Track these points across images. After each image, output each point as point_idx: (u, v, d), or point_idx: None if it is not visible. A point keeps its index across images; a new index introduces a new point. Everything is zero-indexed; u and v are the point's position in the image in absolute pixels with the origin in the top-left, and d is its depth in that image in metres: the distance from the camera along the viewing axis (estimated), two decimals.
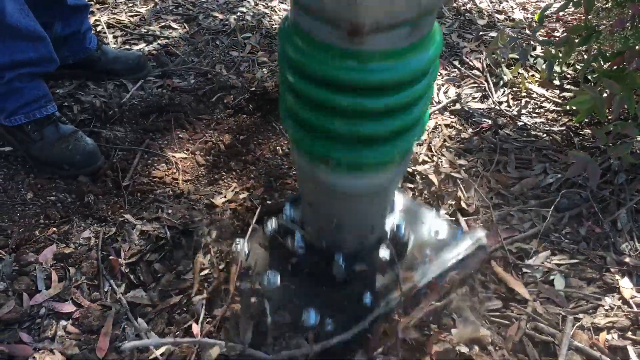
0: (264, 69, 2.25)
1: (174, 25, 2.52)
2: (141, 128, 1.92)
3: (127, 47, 2.35)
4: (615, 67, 1.72)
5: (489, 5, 2.84)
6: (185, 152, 1.83)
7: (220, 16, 2.60)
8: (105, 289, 1.37)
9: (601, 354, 1.23)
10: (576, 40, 1.81)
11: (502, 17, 2.75)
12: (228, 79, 2.15)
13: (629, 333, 1.30)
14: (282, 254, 1.32)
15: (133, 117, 1.96)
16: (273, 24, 2.56)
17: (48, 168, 1.69)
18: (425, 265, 1.31)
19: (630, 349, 1.26)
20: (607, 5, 1.81)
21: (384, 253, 1.30)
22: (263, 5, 2.73)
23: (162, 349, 1.22)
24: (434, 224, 1.43)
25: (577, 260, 1.46)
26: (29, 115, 1.67)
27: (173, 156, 1.80)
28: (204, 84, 2.15)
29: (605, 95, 1.61)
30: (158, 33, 2.46)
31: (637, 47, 1.63)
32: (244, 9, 2.67)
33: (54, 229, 1.53)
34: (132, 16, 2.56)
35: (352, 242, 1.27)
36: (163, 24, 2.53)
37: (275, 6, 2.73)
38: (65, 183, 1.68)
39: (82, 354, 1.22)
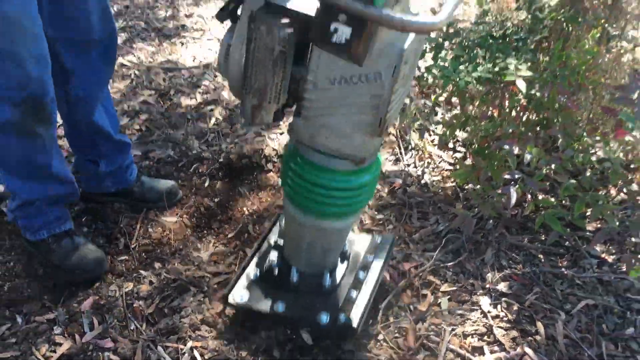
0: (228, 140, 2.86)
1: (150, 100, 3.10)
2: None
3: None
4: (484, 145, 2.42)
5: None
6: (175, 216, 2.43)
7: (188, 90, 3.20)
8: (132, 328, 1.97)
9: (466, 352, 1.92)
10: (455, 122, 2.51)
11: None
12: (201, 151, 2.76)
13: (485, 337, 1.99)
14: (273, 289, 1.94)
15: None
16: (231, 97, 3.16)
17: (63, 273, 2.10)
18: (373, 260, 2.04)
19: (486, 347, 1.95)
20: (477, 102, 2.51)
21: (343, 265, 2.00)
22: (222, 78, 3.34)
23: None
24: (360, 239, 2.14)
25: (455, 288, 2.15)
26: (50, 231, 2.07)
27: (166, 220, 2.40)
28: (181, 155, 2.75)
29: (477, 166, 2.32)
30: (137, 108, 3.03)
31: (495, 134, 2.34)
32: (206, 82, 3.28)
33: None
34: (114, 93, 3.12)
35: (333, 262, 1.95)
36: (141, 99, 3.10)
37: None
38: None
39: None
